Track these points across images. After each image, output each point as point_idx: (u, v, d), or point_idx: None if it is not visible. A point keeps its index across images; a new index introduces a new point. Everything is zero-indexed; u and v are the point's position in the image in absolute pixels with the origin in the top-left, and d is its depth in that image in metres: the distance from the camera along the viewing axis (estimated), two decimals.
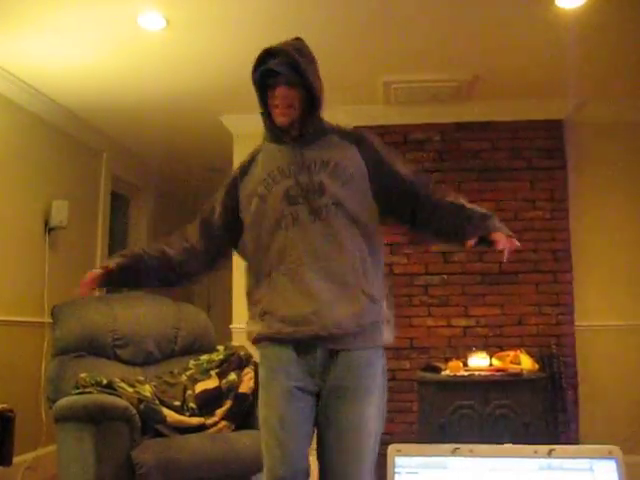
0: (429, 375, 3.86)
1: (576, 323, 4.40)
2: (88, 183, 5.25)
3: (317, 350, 1.93)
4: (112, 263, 2.17)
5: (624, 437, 4.17)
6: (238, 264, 4.70)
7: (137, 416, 2.94)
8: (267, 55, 1.97)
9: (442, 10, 3.36)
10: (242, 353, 3.56)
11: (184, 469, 2.90)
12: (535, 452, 1.48)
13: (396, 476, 1.40)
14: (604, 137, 4.59)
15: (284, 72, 1.94)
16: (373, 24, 3.50)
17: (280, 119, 1.99)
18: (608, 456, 1.43)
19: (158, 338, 3.67)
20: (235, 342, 4.38)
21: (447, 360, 4.06)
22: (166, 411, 3.17)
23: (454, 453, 1.45)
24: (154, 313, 3.74)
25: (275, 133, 2.04)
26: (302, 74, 1.94)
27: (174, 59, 3.89)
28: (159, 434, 3.09)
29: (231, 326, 4.71)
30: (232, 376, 3.42)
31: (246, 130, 4.85)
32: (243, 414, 3.35)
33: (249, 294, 2.13)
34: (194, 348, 3.76)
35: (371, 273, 1.98)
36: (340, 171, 1.98)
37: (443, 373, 3.87)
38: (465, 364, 3.94)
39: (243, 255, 2.16)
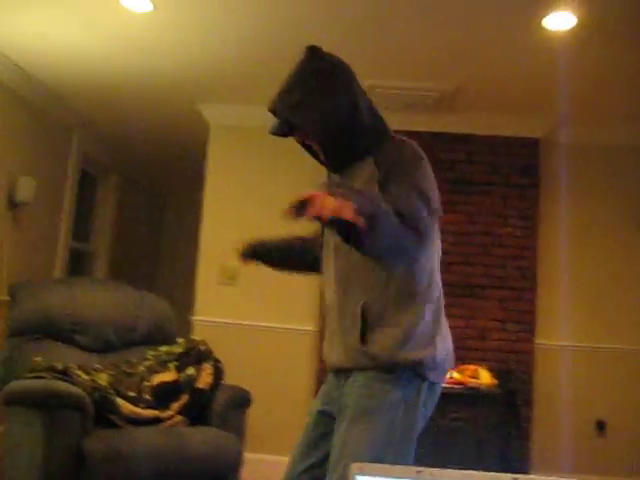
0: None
1: (536, 341, 4.44)
2: (57, 160, 5.13)
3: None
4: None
5: (575, 456, 4.24)
6: (203, 255, 4.68)
7: (91, 405, 2.88)
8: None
9: (430, 19, 3.34)
10: (202, 347, 3.51)
11: (135, 462, 2.84)
12: None
13: None
14: (579, 159, 4.63)
15: (285, 134, 1.88)
16: (359, 26, 3.46)
17: (321, 158, 1.97)
18: None
19: (118, 325, 3.61)
20: (196, 335, 4.33)
21: None
22: (121, 401, 3.12)
23: (417, 476, 1.42)
24: (115, 300, 3.68)
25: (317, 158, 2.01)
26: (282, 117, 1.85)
27: (157, 43, 3.80)
28: (112, 424, 3.03)
29: (193, 317, 4.65)
30: (191, 370, 3.38)
31: (224, 121, 4.81)
32: (199, 409, 3.31)
33: None
34: (154, 338, 3.71)
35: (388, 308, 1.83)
36: None
37: None
38: None
39: None
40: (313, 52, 1.90)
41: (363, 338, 1.79)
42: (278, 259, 2.22)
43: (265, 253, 2.20)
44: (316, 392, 4.59)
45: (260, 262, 2.23)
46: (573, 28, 3.29)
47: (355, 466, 1.40)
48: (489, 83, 4.05)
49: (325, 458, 1.86)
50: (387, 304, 1.80)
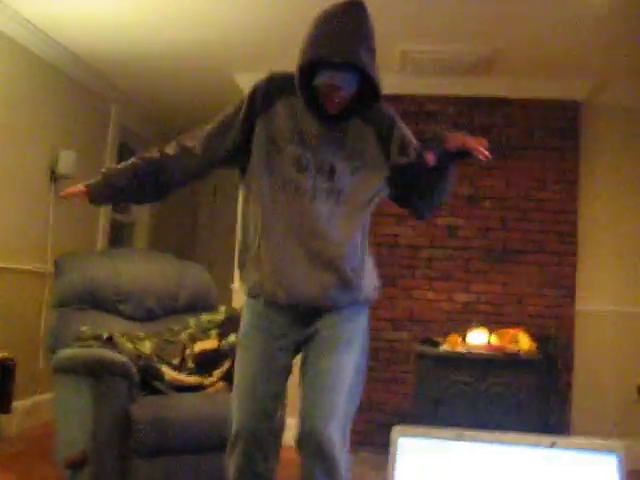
0: (427, 348, 3.88)
1: (576, 306, 4.40)
2: (97, 133, 5.21)
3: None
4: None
5: (615, 421, 4.22)
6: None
7: (136, 372, 2.95)
8: (331, 47, 1.82)
9: None
10: None
11: (180, 427, 2.92)
12: (538, 442, 1.49)
13: (399, 456, 1.41)
14: (620, 121, 4.54)
15: (345, 83, 1.85)
16: None
17: (330, 109, 1.93)
18: (610, 451, 1.43)
19: (160, 295, 3.68)
20: (235, 303, 4.39)
21: (445, 334, 4.07)
22: (164, 369, 3.19)
23: (458, 438, 1.45)
24: (157, 269, 3.74)
25: (313, 107, 1.95)
26: (362, 71, 1.85)
27: (192, 15, 3.82)
28: (157, 391, 3.11)
29: (231, 286, 4.71)
30: (232, 338, 3.42)
31: None
32: None
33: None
34: (195, 307, 3.77)
35: (358, 255, 2.04)
36: (354, 157, 1.99)
37: (441, 347, 3.88)
38: (464, 339, 3.95)
39: (246, 185, 2.10)
40: (364, 7, 1.89)
41: (356, 277, 2.01)
42: (127, 191, 2.09)
43: (109, 190, 2.10)
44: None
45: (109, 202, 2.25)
46: None
47: (397, 430, 1.43)
48: (527, 43, 3.97)
49: (281, 390, 2.09)
50: (363, 248, 2.05)
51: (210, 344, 3.43)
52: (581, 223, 4.47)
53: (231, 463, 2.02)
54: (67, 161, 4.51)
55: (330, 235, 1.97)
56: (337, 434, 1.92)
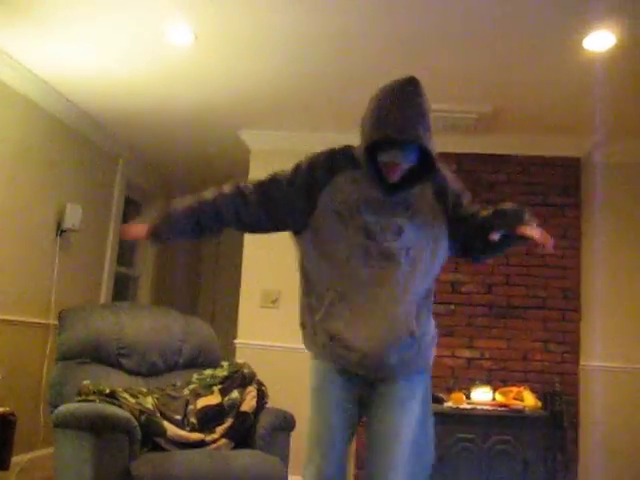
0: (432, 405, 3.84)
1: (581, 362, 4.38)
2: (103, 187, 5.27)
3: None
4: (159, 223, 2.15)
5: None
6: (245, 280, 4.72)
7: (138, 428, 2.93)
8: (395, 126, 1.94)
9: (469, 43, 3.38)
10: (246, 371, 3.55)
11: None
12: None
13: None
14: (621, 178, 4.59)
15: (405, 159, 1.98)
16: (398, 49, 3.50)
17: (391, 179, 2.04)
18: None
19: (163, 349, 3.67)
20: (238, 358, 4.37)
21: (450, 391, 4.04)
22: (167, 424, 3.16)
23: None
24: (161, 324, 3.74)
25: (376, 178, 2.05)
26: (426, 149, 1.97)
27: (198, 73, 3.91)
28: (158, 447, 3.08)
29: (235, 341, 4.70)
30: (235, 394, 3.41)
31: (263, 146, 4.88)
32: (243, 433, 3.34)
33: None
34: (198, 362, 3.76)
35: (423, 313, 2.11)
36: (418, 217, 2.08)
37: (445, 404, 3.85)
38: (468, 396, 3.93)
39: (303, 253, 2.18)
40: (420, 85, 2.01)
41: (424, 343, 2.11)
42: (187, 231, 2.16)
43: (171, 229, 2.15)
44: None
45: (169, 241, 2.26)
46: (612, 48, 3.29)
47: None
48: (528, 103, 4.06)
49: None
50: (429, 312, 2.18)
51: (213, 399, 3.41)
52: (584, 278, 4.48)
53: None
54: (73, 215, 4.56)
55: (403, 298, 2.04)
56: None
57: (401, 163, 1.99)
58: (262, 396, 3.47)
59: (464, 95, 4.04)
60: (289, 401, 3.78)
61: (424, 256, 2.08)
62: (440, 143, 4.52)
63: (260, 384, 3.51)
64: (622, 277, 4.50)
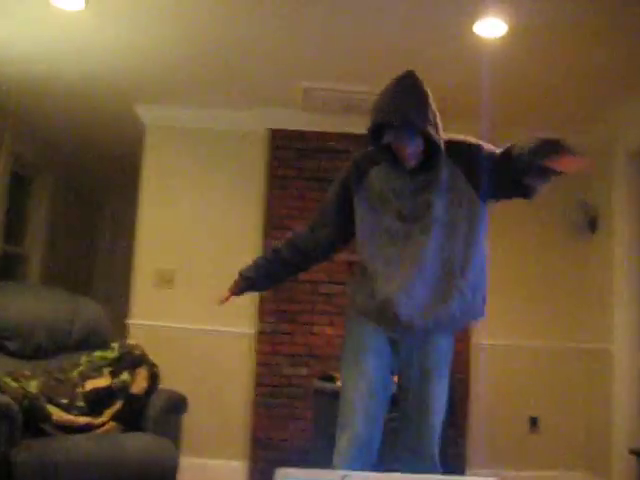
0: (325, 384, 3.88)
1: (472, 341, 4.52)
2: None
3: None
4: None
5: (510, 452, 4.35)
6: (138, 259, 4.61)
7: (19, 413, 2.81)
8: (388, 112, 2.16)
9: (366, 24, 3.38)
10: (137, 352, 3.47)
11: (67, 471, 2.78)
12: None
13: None
14: None
15: (406, 141, 2.17)
16: (295, 28, 3.47)
17: (411, 163, 2.23)
18: None
19: (50, 331, 3.53)
20: (132, 338, 4.27)
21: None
22: (52, 409, 3.05)
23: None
24: (48, 305, 3.60)
25: (397, 166, 2.26)
26: (421, 131, 2.16)
27: (89, 43, 3.74)
28: (44, 433, 2.96)
29: (129, 321, 4.57)
30: (125, 375, 3.32)
31: (160, 122, 4.75)
32: (134, 415, 3.26)
33: None
34: (89, 343, 3.64)
35: (468, 266, 2.23)
36: (449, 192, 2.24)
37: (338, 383, 3.89)
38: None
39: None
40: (415, 76, 2.27)
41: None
42: (270, 281, 2.57)
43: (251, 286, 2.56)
44: (256, 395, 4.54)
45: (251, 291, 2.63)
46: (504, 36, 3.37)
47: (280, 472, 1.41)
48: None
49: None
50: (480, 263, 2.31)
51: (102, 382, 3.32)
52: None
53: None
54: None
55: (446, 264, 2.21)
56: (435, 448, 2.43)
57: (402, 144, 2.17)
58: (154, 378, 3.40)
59: (360, 77, 4.04)
60: (183, 382, 3.73)
61: (459, 224, 2.22)
62: (337, 123, 4.60)
63: (152, 365, 3.44)
64: (508, 256, 4.64)
